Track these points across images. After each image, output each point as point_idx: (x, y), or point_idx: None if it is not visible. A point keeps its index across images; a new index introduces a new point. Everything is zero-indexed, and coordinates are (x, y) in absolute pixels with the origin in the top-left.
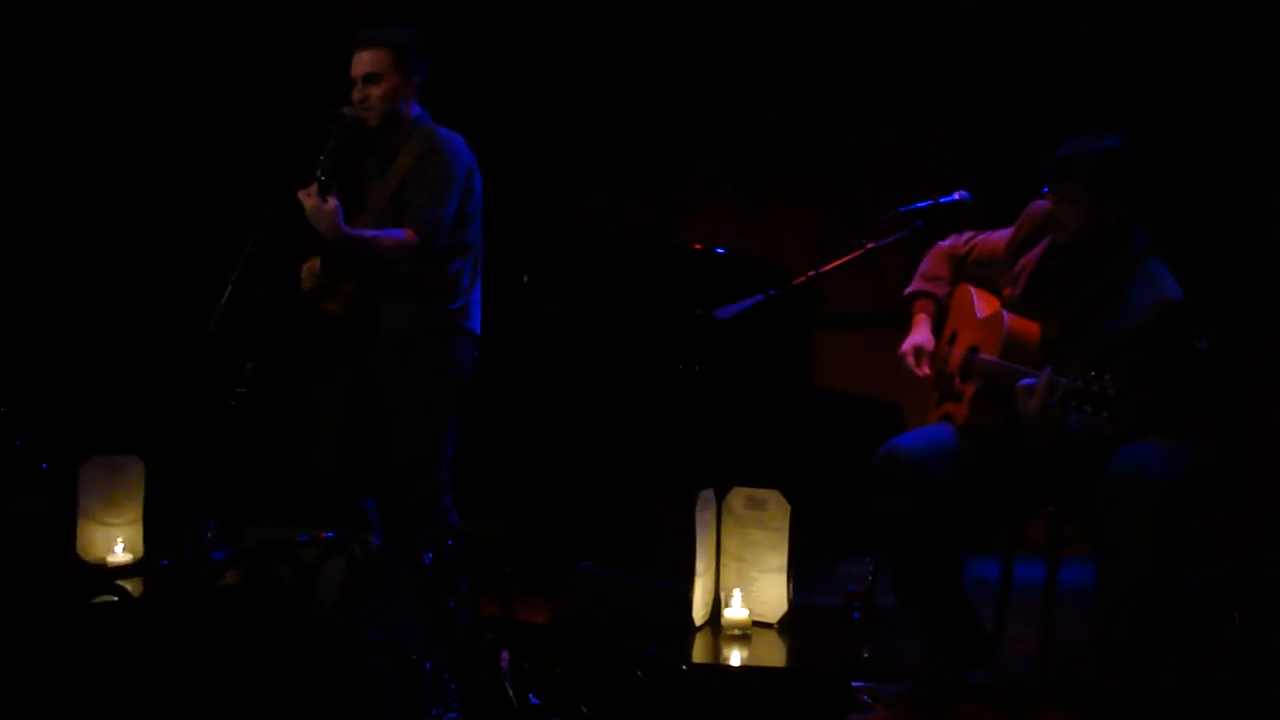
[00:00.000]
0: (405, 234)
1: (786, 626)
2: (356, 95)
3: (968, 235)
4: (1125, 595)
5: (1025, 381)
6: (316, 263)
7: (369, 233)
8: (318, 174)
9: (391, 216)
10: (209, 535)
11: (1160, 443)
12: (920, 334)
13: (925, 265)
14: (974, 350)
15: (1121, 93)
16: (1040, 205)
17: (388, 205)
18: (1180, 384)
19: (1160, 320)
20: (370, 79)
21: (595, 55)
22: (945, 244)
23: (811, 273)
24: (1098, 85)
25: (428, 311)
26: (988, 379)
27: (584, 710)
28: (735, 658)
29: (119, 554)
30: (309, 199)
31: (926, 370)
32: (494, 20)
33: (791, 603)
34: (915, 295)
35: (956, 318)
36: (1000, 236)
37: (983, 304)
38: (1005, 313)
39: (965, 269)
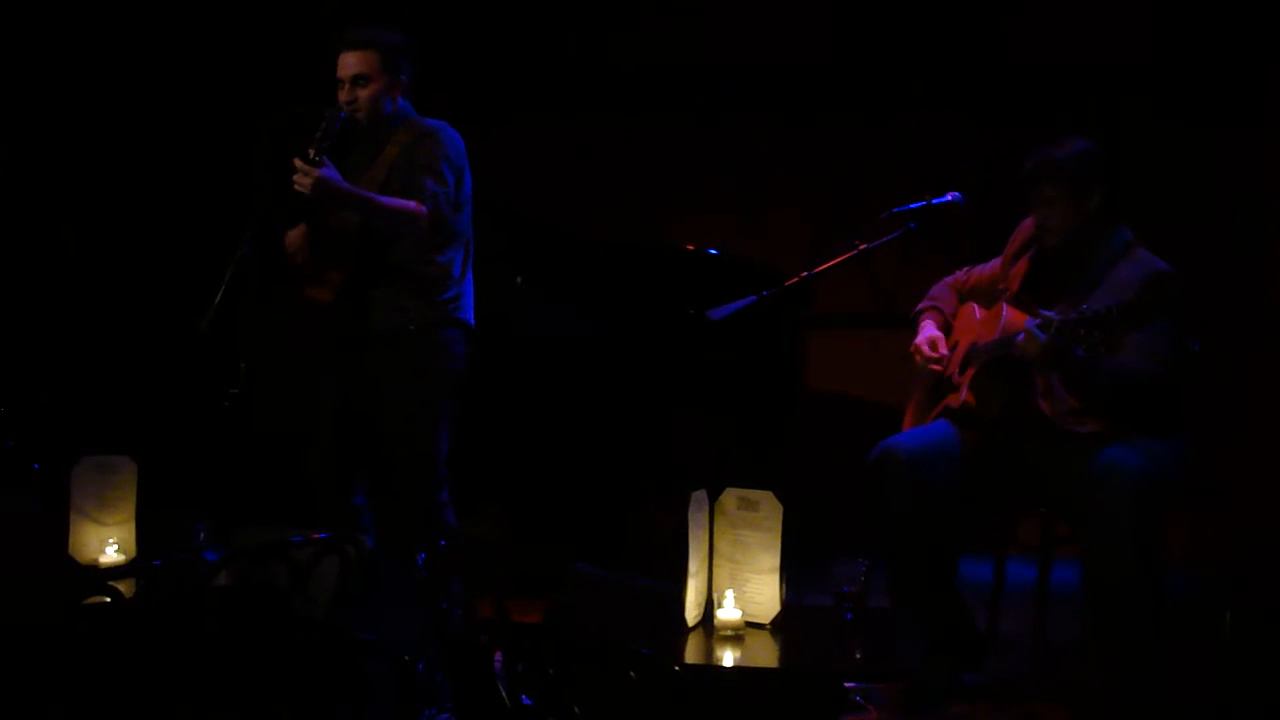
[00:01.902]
0: (413, 203)
1: (779, 627)
2: (344, 96)
3: (965, 269)
4: (1108, 594)
5: (1024, 328)
6: (303, 230)
7: (374, 194)
8: (310, 154)
9: None
10: (202, 536)
11: (1145, 442)
12: (929, 330)
13: (933, 291)
14: (973, 344)
15: (1119, 93)
16: (1029, 222)
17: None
18: (1180, 361)
19: (1152, 287)
20: (358, 81)
21: (592, 57)
22: (950, 278)
23: (804, 273)
24: (1096, 85)
25: (421, 304)
26: (987, 356)
27: (577, 711)
28: (728, 658)
29: (111, 554)
30: (306, 176)
31: (944, 350)
32: (493, 19)
33: (784, 603)
34: (919, 312)
35: (958, 331)
36: (995, 261)
37: (981, 310)
38: (1004, 304)
39: (965, 299)
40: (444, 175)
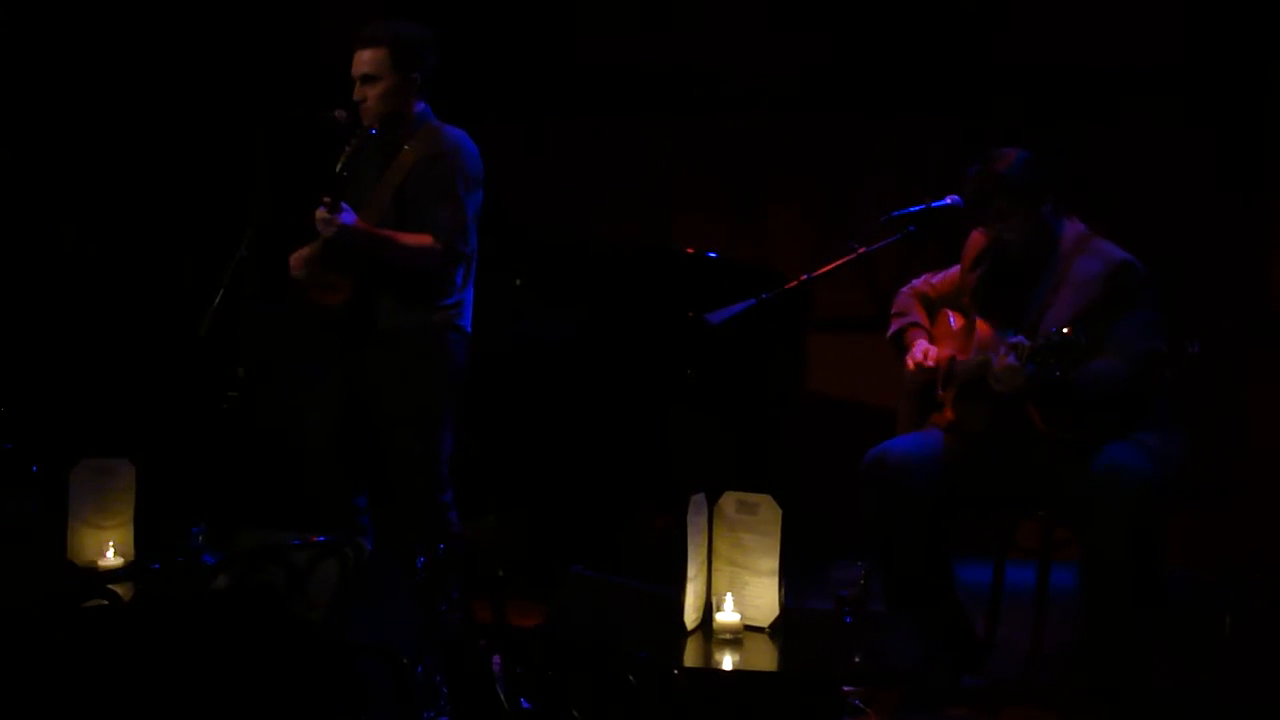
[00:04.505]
0: (428, 239)
1: (778, 630)
2: (355, 96)
3: (925, 276)
4: (1106, 596)
5: (995, 359)
6: (306, 251)
7: (392, 234)
8: (338, 169)
9: (393, 214)
10: (200, 539)
11: (1145, 439)
12: (922, 343)
13: (896, 307)
14: (952, 360)
15: (1119, 93)
16: (979, 233)
17: (390, 202)
18: (1158, 349)
19: (1116, 281)
20: (368, 80)
21: (591, 57)
22: (907, 288)
23: (803, 276)
24: (1095, 86)
25: (424, 309)
26: (966, 377)
27: (575, 714)
28: (727, 662)
29: (110, 558)
30: (329, 225)
31: (932, 362)
32: (492, 18)
33: (783, 607)
34: (901, 330)
35: (938, 339)
36: (954, 270)
37: (957, 320)
38: (975, 318)
39: (932, 305)
40: (460, 202)
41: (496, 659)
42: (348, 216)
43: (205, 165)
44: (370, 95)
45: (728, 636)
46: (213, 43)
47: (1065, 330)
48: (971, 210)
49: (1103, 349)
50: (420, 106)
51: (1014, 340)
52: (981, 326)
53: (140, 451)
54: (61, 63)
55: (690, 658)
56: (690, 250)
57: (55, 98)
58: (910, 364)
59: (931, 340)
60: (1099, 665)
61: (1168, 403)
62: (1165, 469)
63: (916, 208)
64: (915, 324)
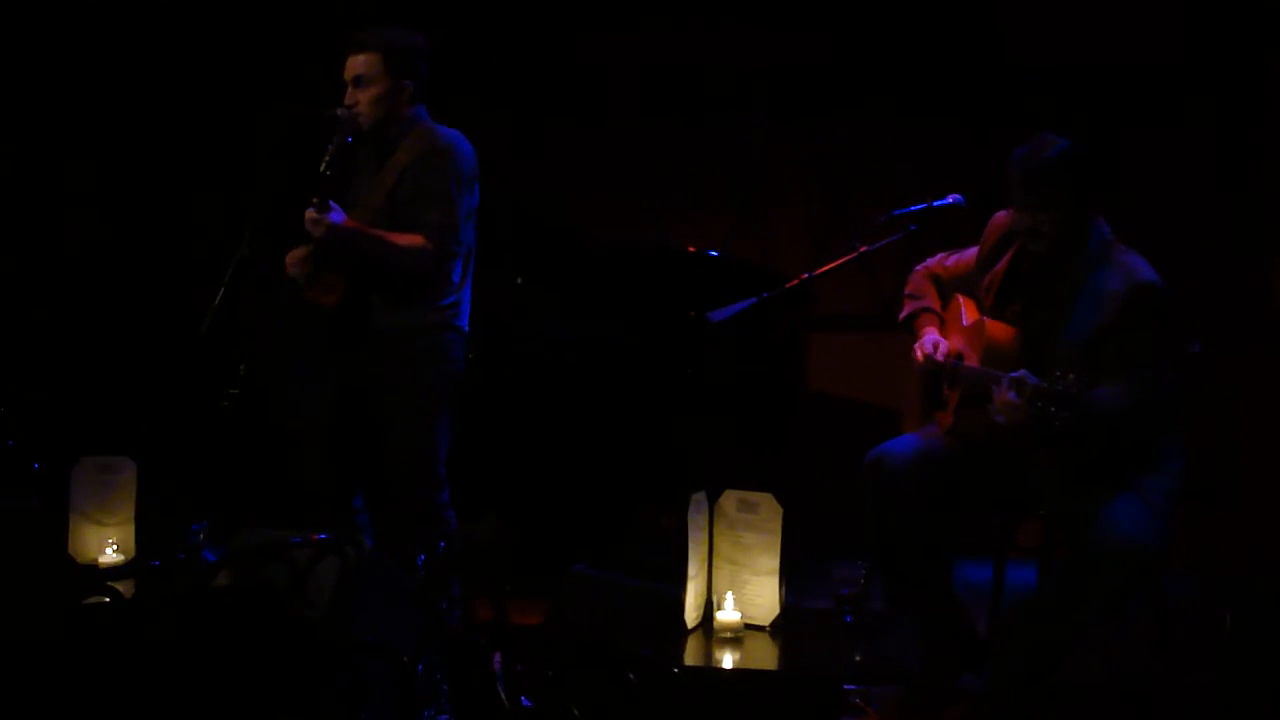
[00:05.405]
0: (419, 239)
1: (779, 629)
2: (347, 99)
3: (940, 256)
4: (1051, 620)
5: (998, 390)
6: (303, 251)
7: (383, 234)
8: (322, 168)
9: (386, 214)
10: (201, 536)
11: (1152, 492)
12: (931, 335)
13: (909, 287)
14: (960, 358)
15: (1114, 94)
16: (1002, 217)
17: (383, 203)
18: (1171, 374)
19: (1135, 304)
20: (360, 83)
21: (593, 56)
22: (921, 266)
23: (805, 275)
24: (1096, 86)
25: (421, 309)
26: (970, 385)
27: (576, 713)
28: (727, 660)
29: (111, 555)
30: (318, 225)
31: (942, 356)
32: (495, 17)
33: (784, 605)
34: (913, 315)
35: (948, 327)
36: (970, 253)
37: (969, 312)
38: (986, 319)
39: (944, 287)
40: (453, 201)
41: (497, 657)
42: (336, 216)
43: (207, 162)
44: (362, 100)
45: (728, 635)
46: (216, 39)
47: (1070, 377)
48: (1014, 193)
49: (1109, 372)
50: (415, 110)
51: (1017, 375)
52: (992, 328)
53: (141, 449)
54: (63, 60)
55: (691, 656)
56: (692, 249)
57: (58, 93)
58: (919, 355)
59: (943, 325)
60: (1006, 661)
61: (1170, 419)
62: (1164, 527)
63: (917, 207)
64: (927, 309)
